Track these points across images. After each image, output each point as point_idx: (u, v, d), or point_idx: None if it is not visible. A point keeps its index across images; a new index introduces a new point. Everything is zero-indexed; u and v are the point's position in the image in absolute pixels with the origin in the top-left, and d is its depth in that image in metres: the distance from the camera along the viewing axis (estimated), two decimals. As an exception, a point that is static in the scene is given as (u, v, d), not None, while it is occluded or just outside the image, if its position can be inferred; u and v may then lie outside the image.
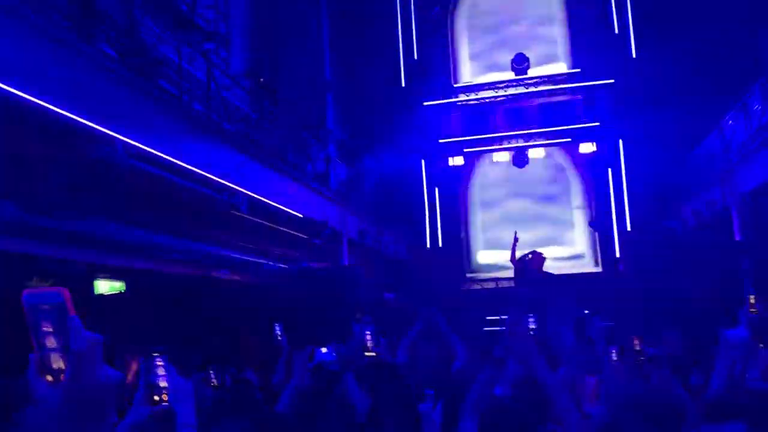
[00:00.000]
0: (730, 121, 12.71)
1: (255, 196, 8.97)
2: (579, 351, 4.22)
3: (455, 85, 17.49)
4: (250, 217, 9.26)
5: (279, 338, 5.00)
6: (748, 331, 4.35)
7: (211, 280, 9.25)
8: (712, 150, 13.90)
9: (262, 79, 11.46)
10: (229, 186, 8.41)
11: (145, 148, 6.68)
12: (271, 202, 9.52)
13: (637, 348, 3.65)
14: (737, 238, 11.33)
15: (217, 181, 8.11)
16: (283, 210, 9.99)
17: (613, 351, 5.60)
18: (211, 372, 5.16)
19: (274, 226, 10.31)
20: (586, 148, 16.97)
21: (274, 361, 5.07)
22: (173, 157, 7.18)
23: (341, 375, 3.55)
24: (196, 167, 7.59)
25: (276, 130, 11.00)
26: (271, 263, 10.79)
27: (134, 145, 6.50)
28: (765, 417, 1.74)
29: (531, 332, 4.80)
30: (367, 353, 4.10)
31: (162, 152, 6.98)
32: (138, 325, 6.81)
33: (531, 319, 4.88)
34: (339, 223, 12.62)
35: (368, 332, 4.18)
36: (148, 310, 7.73)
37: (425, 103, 16.31)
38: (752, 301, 5.04)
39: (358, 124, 15.68)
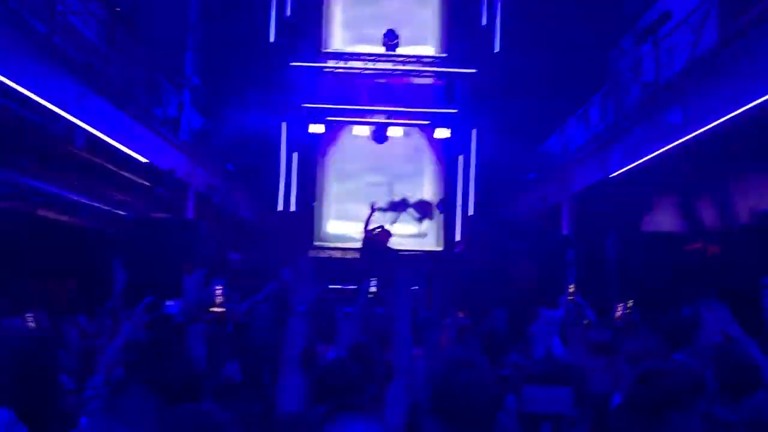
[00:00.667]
0: (572, 127, 13.80)
1: (94, 132, 8.25)
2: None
3: (324, 51, 17.25)
4: (88, 156, 8.53)
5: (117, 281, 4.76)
6: (564, 312, 4.79)
7: (36, 218, 8.42)
8: (553, 149, 15.03)
9: (118, 9, 10.53)
10: (66, 117, 7.65)
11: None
12: (112, 141, 8.82)
13: (461, 319, 3.90)
14: (564, 232, 12.35)
15: (52, 109, 7.33)
16: (125, 152, 9.31)
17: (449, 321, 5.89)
18: (29, 314, 4.93)
19: (114, 168, 9.59)
20: (441, 133, 17.55)
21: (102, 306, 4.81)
22: (2, 75, 6.39)
23: (184, 328, 3.42)
24: (28, 90, 6.80)
25: (127, 67, 10.18)
26: (107, 208, 10.05)
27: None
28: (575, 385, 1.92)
29: (371, 294, 4.94)
30: (215, 309, 3.97)
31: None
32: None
33: (372, 282, 5.00)
34: (186, 175, 12.02)
35: (219, 287, 4.04)
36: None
37: (292, 64, 15.91)
38: (571, 289, 5.53)
39: (219, 74, 14.96)
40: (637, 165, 9.76)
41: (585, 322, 5.67)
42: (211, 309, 3.40)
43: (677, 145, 8.54)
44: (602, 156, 11.38)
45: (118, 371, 2.82)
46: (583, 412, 3.07)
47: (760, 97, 6.69)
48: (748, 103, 6.92)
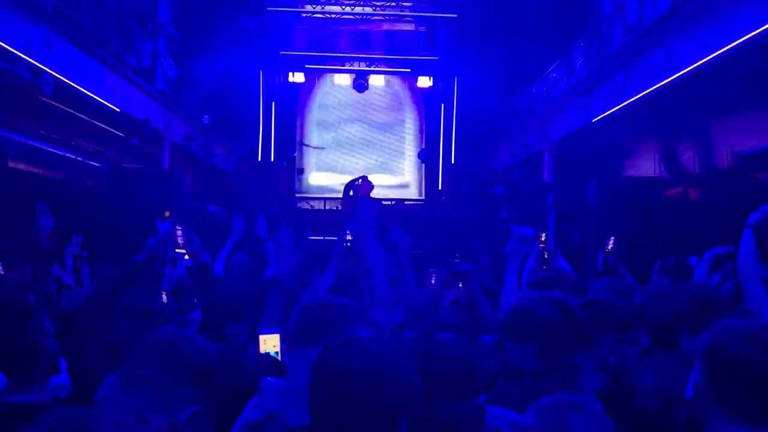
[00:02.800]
0: (555, 74, 13.61)
1: (64, 79, 7.95)
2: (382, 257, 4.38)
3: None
4: (57, 104, 8.25)
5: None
6: (534, 261, 4.80)
7: (6, 170, 8.18)
8: (535, 97, 14.87)
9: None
10: (33, 63, 7.35)
11: None
12: (83, 89, 8.52)
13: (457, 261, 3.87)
14: (546, 179, 12.34)
15: (18, 54, 7.03)
16: (98, 100, 9.02)
17: (433, 275, 5.85)
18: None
19: (86, 117, 9.32)
20: (423, 82, 17.32)
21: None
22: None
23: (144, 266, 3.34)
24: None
25: (98, 12, 9.77)
26: (79, 159, 9.82)
27: None
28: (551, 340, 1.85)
29: (347, 243, 4.90)
30: (177, 250, 3.87)
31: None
32: None
33: (348, 233, 4.95)
34: (162, 125, 11.74)
35: (179, 228, 3.94)
36: None
37: (270, 8, 15.45)
38: (543, 238, 5.46)
39: (194, 21, 14.49)
40: (619, 109, 9.68)
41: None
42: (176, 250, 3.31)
43: (659, 87, 8.46)
44: (585, 101, 11.28)
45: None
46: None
47: (740, 38, 6.61)
48: (729, 44, 6.84)
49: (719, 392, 1.40)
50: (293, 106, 17.97)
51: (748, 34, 6.49)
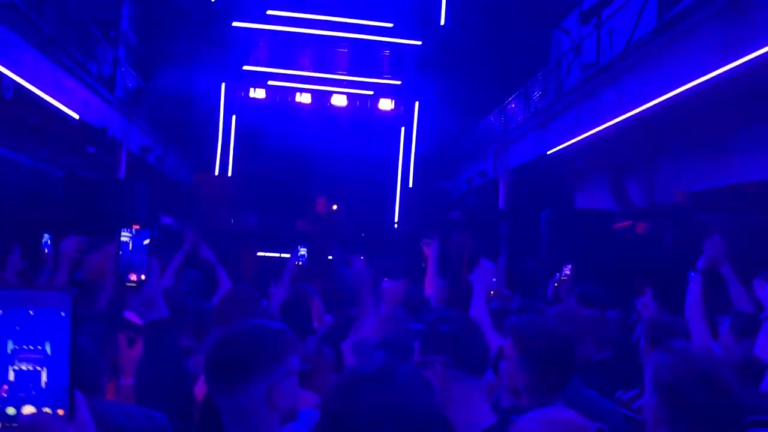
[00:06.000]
0: (513, 104, 14.04)
1: (24, 84, 7.81)
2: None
3: (268, 13, 16.86)
4: (14, 108, 8.07)
5: (46, 252, 4.58)
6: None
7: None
8: (493, 125, 15.28)
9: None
10: (-8, 66, 7.19)
11: None
12: (43, 95, 8.37)
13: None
14: (500, 207, 12.65)
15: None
16: (56, 106, 8.86)
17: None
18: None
19: (42, 123, 9.14)
20: (385, 104, 17.57)
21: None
22: None
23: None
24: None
25: (59, 18, 9.63)
26: (33, 165, 9.60)
27: None
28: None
29: (300, 261, 4.96)
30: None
31: None
32: None
33: (302, 249, 5.01)
34: (120, 134, 11.58)
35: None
36: None
37: (234, 24, 15.48)
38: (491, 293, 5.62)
39: (157, 32, 14.39)
40: (572, 143, 10.06)
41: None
42: None
43: (611, 125, 8.84)
44: (540, 134, 11.66)
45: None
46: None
47: (690, 82, 7.00)
48: (679, 87, 7.24)
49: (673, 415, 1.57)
50: (253, 120, 17.94)
51: (695, 80, 6.89)
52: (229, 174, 16.96)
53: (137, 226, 1.94)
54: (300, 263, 4.84)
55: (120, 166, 11.85)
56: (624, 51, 8.76)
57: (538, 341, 2.02)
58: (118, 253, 1.87)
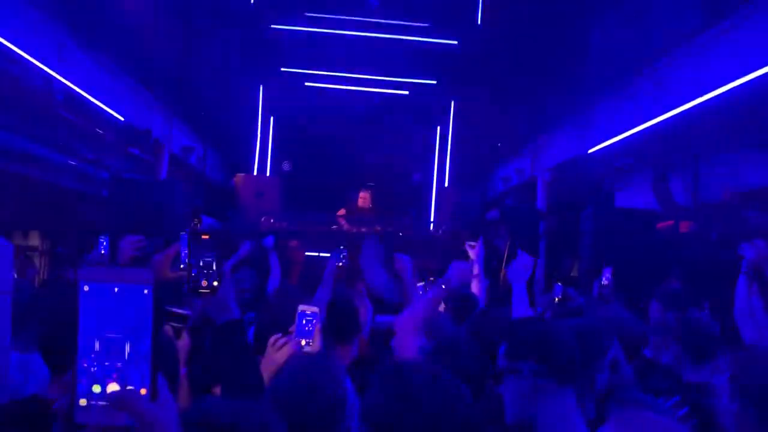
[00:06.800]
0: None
1: (74, 87, 8.04)
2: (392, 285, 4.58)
3: (307, 14, 16.98)
4: (64, 112, 8.33)
5: (102, 253, 4.73)
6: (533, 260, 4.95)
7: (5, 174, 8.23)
8: (531, 125, 15.14)
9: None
10: (45, 71, 7.43)
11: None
12: (91, 98, 8.61)
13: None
14: (538, 206, 12.55)
15: (31, 62, 7.10)
16: (104, 109, 9.11)
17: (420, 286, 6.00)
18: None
19: (89, 125, 9.40)
20: (421, 104, 17.54)
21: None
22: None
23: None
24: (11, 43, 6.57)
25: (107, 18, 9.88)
26: (79, 165, 9.88)
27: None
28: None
29: (341, 263, 4.99)
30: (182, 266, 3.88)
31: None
32: None
33: (343, 254, 5.05)
34: (162, 135, 11.84)
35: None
36: None
37: (273, 26, 15.65)
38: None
39: (196, 35, 14.64)
40: (613, 142, 9.93)
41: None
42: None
43: (653, 124, 8.71)
44: (579, 131, 11.53)
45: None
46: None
47: (738, 79, 6.85)
48: (726, 85, 7.08)
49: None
50: (291, 120, 18.10)
51: (743, 77, 6.74)
52: (268, 174, 17.16)
53: (206, 236, 2.02)
54: (341, 264, 4.88)
55: (162, 167, 12.11)
56: (664, 44, 8.61)
57: None
58: (190, 260, 1.96)
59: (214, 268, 2.00)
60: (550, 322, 1.98)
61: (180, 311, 2.68)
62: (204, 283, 1.98)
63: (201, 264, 1.99)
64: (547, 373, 1.69)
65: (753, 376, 1.52)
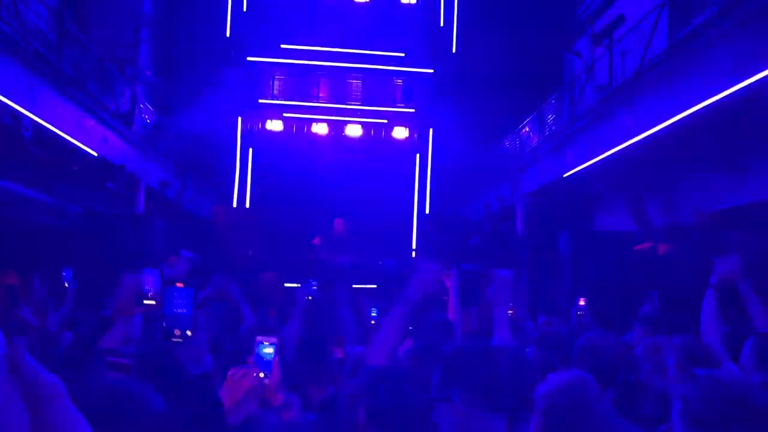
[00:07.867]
0: (528, 128, 14.01)
1: (43, 123, 7.96)
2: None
3: (282, 46, 17.11)
4: (34, 148, 8.22)
5: (66, 285, 4.66)
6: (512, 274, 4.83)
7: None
8: (508, 150, 15.25)
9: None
10: (13, 107, 7.36)
11: None
12: (61, 133, 8.53)
13: None
14: (518, 232, 12.54)
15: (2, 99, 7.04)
16: (75, 144, 9.02)
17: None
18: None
19: (62, 161, 9.29)
20: (400, 132, 17.64)
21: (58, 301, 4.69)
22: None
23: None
24: None
25: (78, 58, 9.85)
26: (54, 202, 9.74)
27: None
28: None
29: (311, 296, 4.87)
30: (146, 301, 3.75)
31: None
32: None
33: (314, 285, 4.94)
34: (138, 170, 11.74)
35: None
36: None
37: (249, 59, 15.74)
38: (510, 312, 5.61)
39: (174, 68, 14.67)
40: (589, 165, 9.98)
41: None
42: (144, 301, 3.17)
43: (627, 146, 8.77)
44: (556, 157, 11.60)
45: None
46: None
47: (705, 100, 6.93)
48: (694, 106, 7.17)
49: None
50: (270, 152, 18.10)
51: (710, 98, 6.83)
52: (247, 206, 17.07)
53: (180, 285, 2.00)
54: (311, 297, 4.76)
55: (138, 202, 11.99)
56: (637, 72, 8.72)
57: None
58: (163, 309, 1.93)
59: (188, 316, 2.00)
60: (485, 349, 1.86)
61: (121, 360, 2.59)
62: (177, 332, 1.98)
63: (174, 313, 1.99)
64: (478, 401, 1.63)
65: (702, 401, 1.46)
